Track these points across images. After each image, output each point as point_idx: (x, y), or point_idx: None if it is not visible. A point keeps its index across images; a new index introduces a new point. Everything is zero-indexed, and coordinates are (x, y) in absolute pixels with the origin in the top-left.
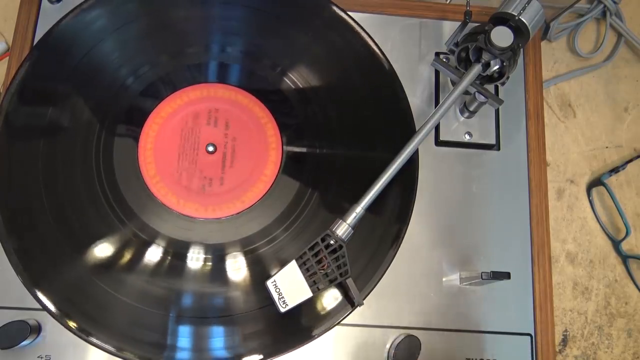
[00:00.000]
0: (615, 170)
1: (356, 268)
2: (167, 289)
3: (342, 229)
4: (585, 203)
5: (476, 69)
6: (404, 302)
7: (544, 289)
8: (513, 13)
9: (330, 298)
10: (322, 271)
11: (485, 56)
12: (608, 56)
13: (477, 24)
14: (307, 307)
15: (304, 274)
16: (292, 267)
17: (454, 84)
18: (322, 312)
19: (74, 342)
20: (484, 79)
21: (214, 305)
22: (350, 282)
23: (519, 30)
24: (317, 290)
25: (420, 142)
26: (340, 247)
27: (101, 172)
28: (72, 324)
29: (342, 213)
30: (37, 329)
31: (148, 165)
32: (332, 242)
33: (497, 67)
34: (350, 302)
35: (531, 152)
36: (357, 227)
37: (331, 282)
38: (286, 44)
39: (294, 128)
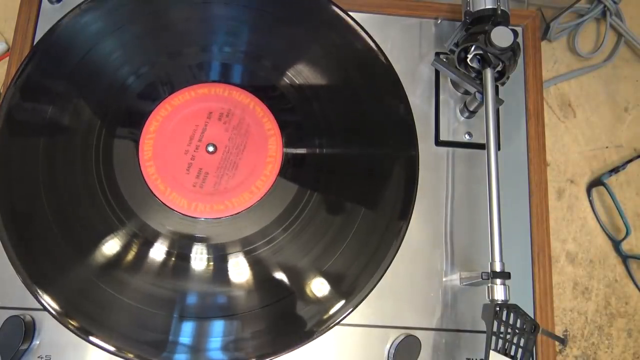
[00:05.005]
0: (615, 170)
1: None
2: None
3: (500, 291)
4: (585, 203)
5: (490, 73)
6: (404, 302)
7: (544, 289)
8: (493, 7)
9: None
10: (515, 338)
11: (492, 58)
12: (608, 56)
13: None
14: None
15: (507, 354)
16: (494, 356)
17: (454, 84)
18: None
19: (74, 342)
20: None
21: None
22: (543, 331)
23: (505, 20)
24: (530, 356)
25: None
26: (514, 307)
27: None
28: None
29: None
30: (31, 325)
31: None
32: (504, 310)
33: (499, 67)
34: (560, 340)
35: (531, 152)
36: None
37: (528, 343)
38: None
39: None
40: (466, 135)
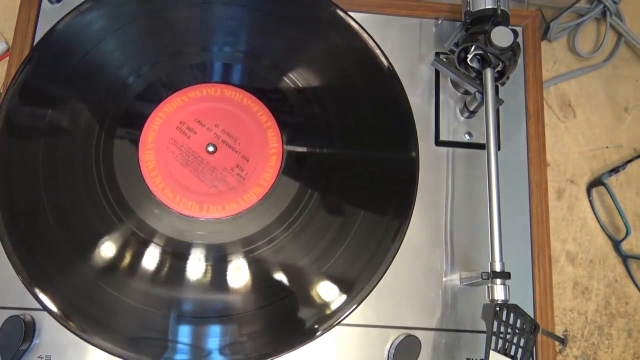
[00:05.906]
0: (615, 170)
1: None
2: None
3: (500, 291)
4: (585, 203)
5: (490, 73)
6: (404, 302)
7: (544, 289)
8: (493, 7)
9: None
10: (515, 338)
11: (492, 58)
12: (608, 56)
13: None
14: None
15: (507, 354)
16: (494, 356)
17: (454, 84)
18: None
19: (74, 342)
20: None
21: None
22: (543, 331)
23: (505, 20)
24: (530, 356)
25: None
26: (514, 307)
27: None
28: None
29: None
30: (31, 325)
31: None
32: (504, 310)
33: (499, 67)
34: (560, 340)
35: (531, 152)
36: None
37: (528, 343)
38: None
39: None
40: (466, 135)
